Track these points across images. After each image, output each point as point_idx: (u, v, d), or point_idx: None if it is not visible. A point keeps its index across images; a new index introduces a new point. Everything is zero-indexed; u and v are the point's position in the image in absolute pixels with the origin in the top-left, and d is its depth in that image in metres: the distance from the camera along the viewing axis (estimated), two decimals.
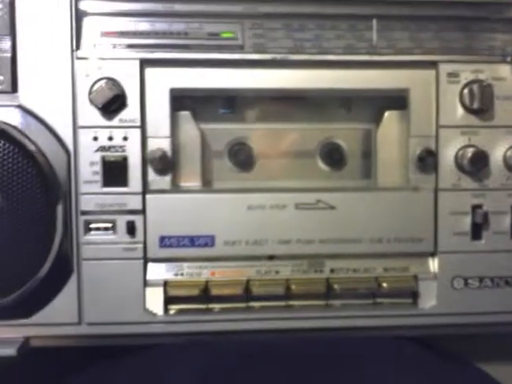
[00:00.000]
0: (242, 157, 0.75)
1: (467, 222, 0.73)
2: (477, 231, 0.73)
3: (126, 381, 0.69)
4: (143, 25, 0.70)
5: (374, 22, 0.73)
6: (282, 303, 0.72)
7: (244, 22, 0.72)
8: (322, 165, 0.76)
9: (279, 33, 0.72)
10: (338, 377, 0.72)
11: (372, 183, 0.75)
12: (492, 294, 0.74)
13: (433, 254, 0.73)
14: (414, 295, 0.73)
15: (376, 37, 0.73)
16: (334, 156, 0.76)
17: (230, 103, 0.75)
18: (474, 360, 0.79)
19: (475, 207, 0.73)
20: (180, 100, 0.71)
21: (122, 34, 0.70)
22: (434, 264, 0.73)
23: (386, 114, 0.75)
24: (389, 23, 0.73)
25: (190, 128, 0.73)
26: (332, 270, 0.73)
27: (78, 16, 0.69)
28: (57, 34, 0.69)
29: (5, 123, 0.68)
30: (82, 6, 0.69)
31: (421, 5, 0.73)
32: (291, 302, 0.72)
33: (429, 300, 0.73)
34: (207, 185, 0.73)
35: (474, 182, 0.73)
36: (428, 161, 0.72)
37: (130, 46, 0.70)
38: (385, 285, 0.72)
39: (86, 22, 0.70)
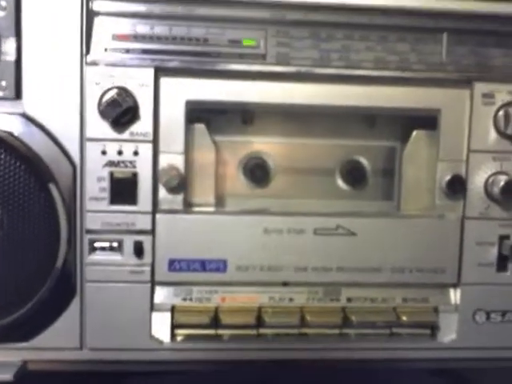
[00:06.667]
0: (257, 172, 0.70)
1: (493, 252, 0.69)
2: (503, 263, 0.70)
3: None
4: (160, 28, 0.65)
5: (407, 34, 0.68)
6: (296, 331, 0.68)
7: (268, 28, 0.66)
8: (341, 183, 0.72)
9: (305, 42, 0.66)
10: None
11: (394, 205, 0.71)
12: None
13: (455, 285, 0.70)
14: (434, 327, 0.70)
15: (409, 50, 0.68)
16: (354, 175, 0.72)
17: (247, 115, 0.70)
18: None
19: (502, 238, 0.69)
20: (194, 111, 0.67)
21: (136, 37, 0.65)
22: (455, 296, 0.70)
23: (414, 133, 0.70)
24: (422, 36, 0.68)
25: (204, 141, 0.68)
26: (349, 299, 0.69)
27: (89, 16, 0.64)
28: (65, 36, 0.63)
29: (6, 132, 0.63)
30: (94, 7, 0.64)
31: (457, 18, 0.67)
32: (305, 330, 0.68)
33: (448, 333, 0.70)
34: (221, 201, 0.69)
35: (503, 211, 0.69)
36: (457, 188, 0.68)
37: (145, 52, 0.65)
38: (404, 318, 0.68)
39: (97, 24, 0.64)
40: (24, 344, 0.65)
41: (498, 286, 0.70)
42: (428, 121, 0.69)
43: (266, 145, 0.71)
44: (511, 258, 0.70)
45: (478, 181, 0.69)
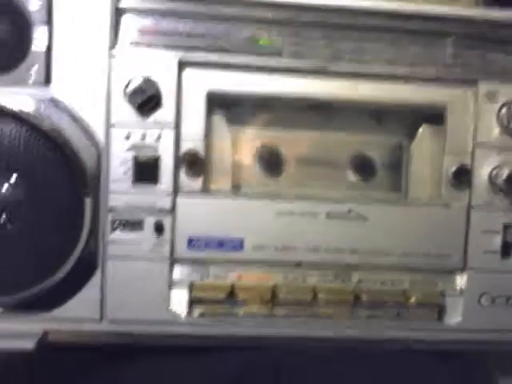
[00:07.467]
0: (272, 162, 0.74)
1: (498, 240, 0.72)
2: (507, 250, 0.72)
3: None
4: (183, 25, 0.69)
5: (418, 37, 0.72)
6: (308, 310, 0.71)
7: (283, 29, 0.70)
8: (351, 175, 0.75)
9: (319, 42, 0.71)
10: None
11: (402, 197, 0.74)
12: None
13: (461, 270, 0.72)
14: (440, 310, 0.73)
15: (418, 52, 0.72)
16: (364, 168, 0.75)
17: (264, 107, 0.74)
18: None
19: (507, 226, 0.72)
20: (214, 102, 0.71)
21: (161, 32, 0.69)
22: (461, 280, 0.72)
23: (421, 128, 0.74)
24: (431, 39, 0.72)
25: (222, 131, 0.72)
26: (359, 281, 0.72)
27: (117, 12, 0.68)
28: (95, 28, 0.68)
29: (34, 114, 0.66)
30: (122, 4, 0.68)
31: (463, 23, 0.72)
32: (317, 310, 0.71)
33: (455, 316, 0.72)
34: (237, 188, 0.72)
35: (507, 200, 0.72)
36: (462, 178, 0.71)
37: (168, 46, 0.69)
38: (412, 300, 0.71)
39: (125, 19, 0.69)
40: (46, 314, 0.67)
41: (502, 273, 0.72)
42: (434, 117, 0.73)
43: (281, 137, 0.74)
44: None
45: (482, 173, 0.72)
